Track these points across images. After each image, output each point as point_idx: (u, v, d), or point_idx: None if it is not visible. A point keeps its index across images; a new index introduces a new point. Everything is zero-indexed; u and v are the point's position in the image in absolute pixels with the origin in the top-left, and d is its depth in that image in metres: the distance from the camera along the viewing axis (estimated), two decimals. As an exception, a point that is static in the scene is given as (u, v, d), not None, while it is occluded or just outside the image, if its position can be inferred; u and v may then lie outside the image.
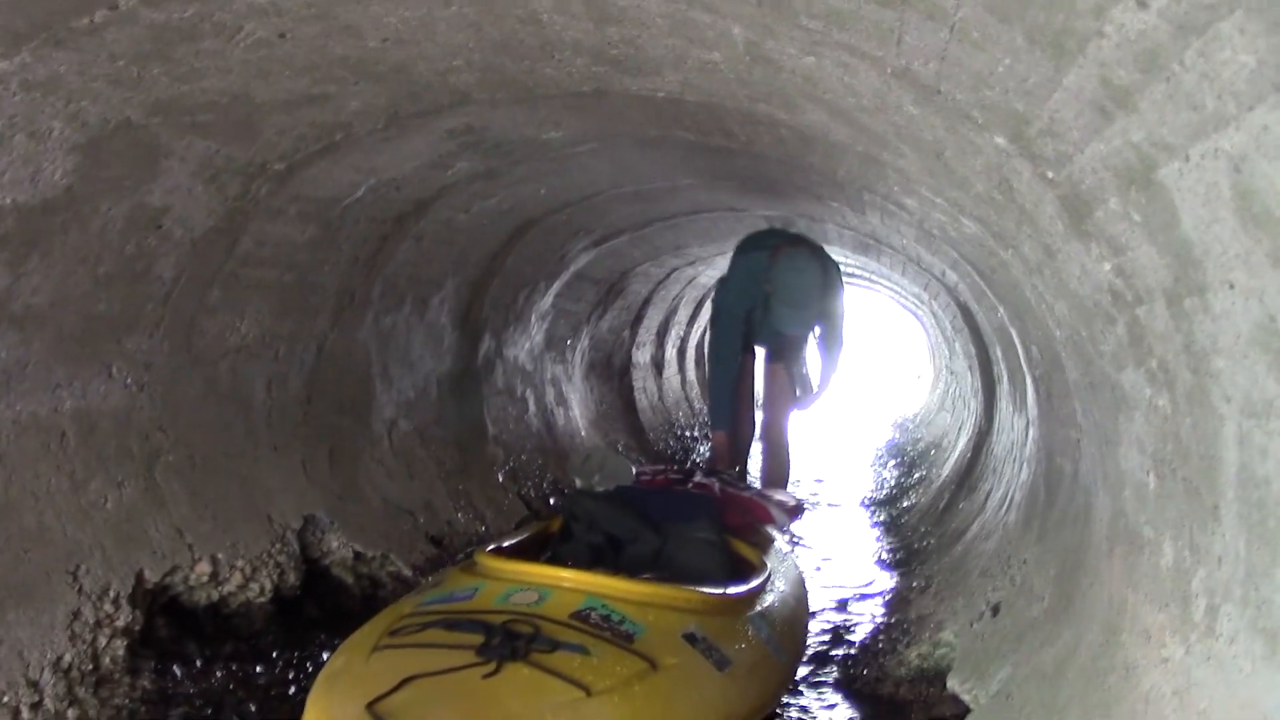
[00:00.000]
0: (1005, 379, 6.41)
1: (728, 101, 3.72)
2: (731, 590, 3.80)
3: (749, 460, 7.17)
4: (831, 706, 4.30)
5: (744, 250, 6.28)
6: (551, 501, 7.29)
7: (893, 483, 10.30)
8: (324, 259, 4.77)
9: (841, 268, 6.53)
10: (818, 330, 6.54)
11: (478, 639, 2.86)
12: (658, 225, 7.81)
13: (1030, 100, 2.02)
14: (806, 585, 5.07)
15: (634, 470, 5.47)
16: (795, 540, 5.82)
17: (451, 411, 6.68)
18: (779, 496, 5.58)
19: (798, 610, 4.44)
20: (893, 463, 11.70)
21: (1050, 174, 2.29)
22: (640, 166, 5.71)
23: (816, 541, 7.64)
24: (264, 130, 3.58)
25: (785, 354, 6.79)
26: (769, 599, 4.05)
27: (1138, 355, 2.33)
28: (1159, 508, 2.39)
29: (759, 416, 7.26)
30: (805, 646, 4.62)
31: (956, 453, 8.78)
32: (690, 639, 3.22)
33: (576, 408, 9.30)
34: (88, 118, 2.97)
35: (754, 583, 4.01)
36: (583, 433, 9.12)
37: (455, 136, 4.32)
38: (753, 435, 7.17)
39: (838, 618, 5.57)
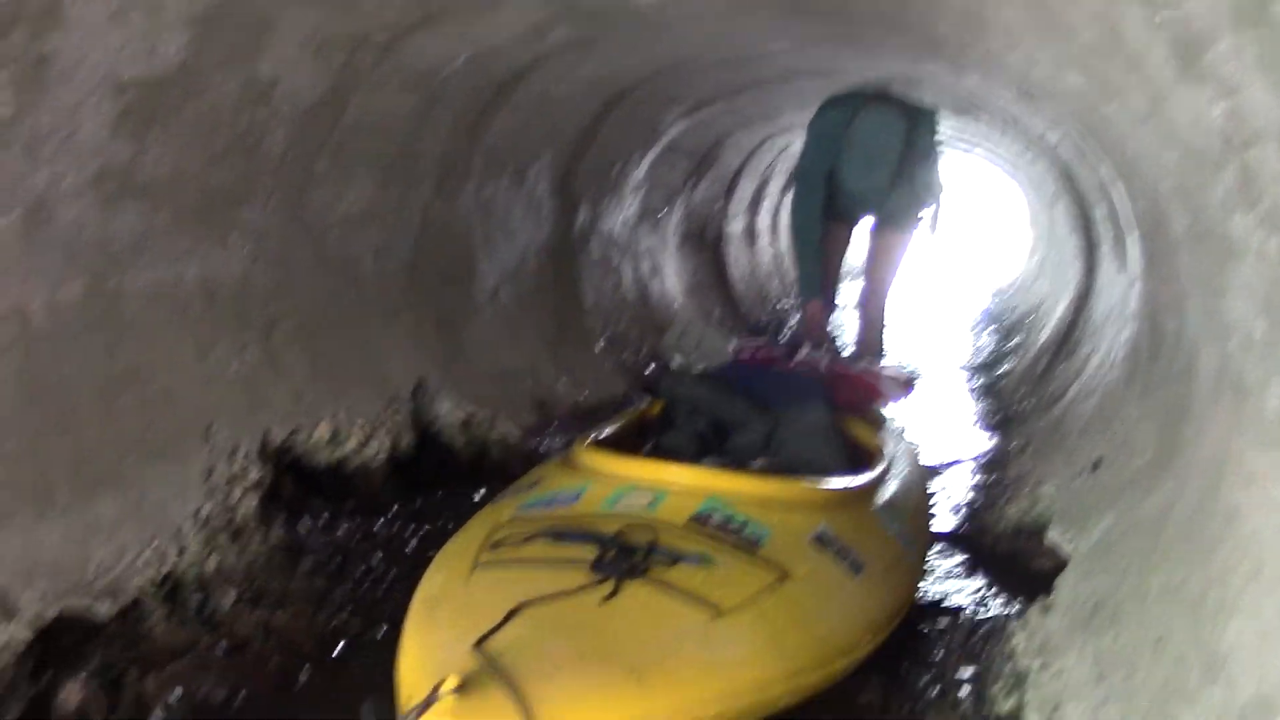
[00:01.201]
0: (1106, 240, 6.33)
1: (825, -42, 3.69)
2: (858, 482, 3.50)
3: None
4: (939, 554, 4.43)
5: (825, 108, 5.78)
6: (647, 371, 7.42)
7: (990, 349, 10.27)
8: (425, 130, 4.85)
9: (939, 137, 6.01)
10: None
11: (590, 553, 2.57)
12: (750, 92, 7.73)
13: (1142, -62, 2.00)
14: (923, 464, 4.73)
15: (732, 346, 5.21)
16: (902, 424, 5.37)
17: (550, 281, 6.79)
18: (889, 371, 5.36)
19: (922, 497, 4.17)
20: (990, 329, 11.63)
21: (1159, 18, 2.26)
22: (732, 32, 5.66)
23: (916, 407, 7.68)
24: (366, 2, 3.63)
25: (893, 220, 6.21)
26: (892, 487, 3.74)
27: (1247, 199, 2.32)
28: (1267, 353, 2.40)
29: (861, 285, 6.81)
30: (931, 536, 4.27)
31: (1055, 317, 8.71)
32: (821, 541, 2.94)
33: (671, 279, 9.37)
34: (201, -9, 3.06)
35: (878, 470, 3.70)
36: (677, 303, 9.20)
37: (550, 4, 4.33)
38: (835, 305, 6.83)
39: (936, 479, 5.64)
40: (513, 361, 5.91)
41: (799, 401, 4.18)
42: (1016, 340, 9.93)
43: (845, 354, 5.77)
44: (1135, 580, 2.92)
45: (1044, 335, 8.64)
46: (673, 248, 9.69)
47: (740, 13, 5.06)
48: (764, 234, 13.14)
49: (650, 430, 4.26)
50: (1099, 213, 6.43)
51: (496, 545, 2.71)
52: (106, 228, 3.27)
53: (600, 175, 7.45)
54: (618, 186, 7.94)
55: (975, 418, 7.26)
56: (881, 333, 6.66)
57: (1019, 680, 3.00)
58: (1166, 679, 2.30)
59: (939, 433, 6.79)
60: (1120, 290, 5.54)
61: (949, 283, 17.28)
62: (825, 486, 3.31)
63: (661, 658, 2.28)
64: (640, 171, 8.21)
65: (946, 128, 9.73)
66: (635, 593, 2.45)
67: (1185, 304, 3.52)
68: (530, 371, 5.98)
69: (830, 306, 6.43)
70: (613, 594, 2.43)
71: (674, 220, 9.68)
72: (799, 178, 5.96)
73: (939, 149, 5.95)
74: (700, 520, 2.85)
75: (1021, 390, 7.33)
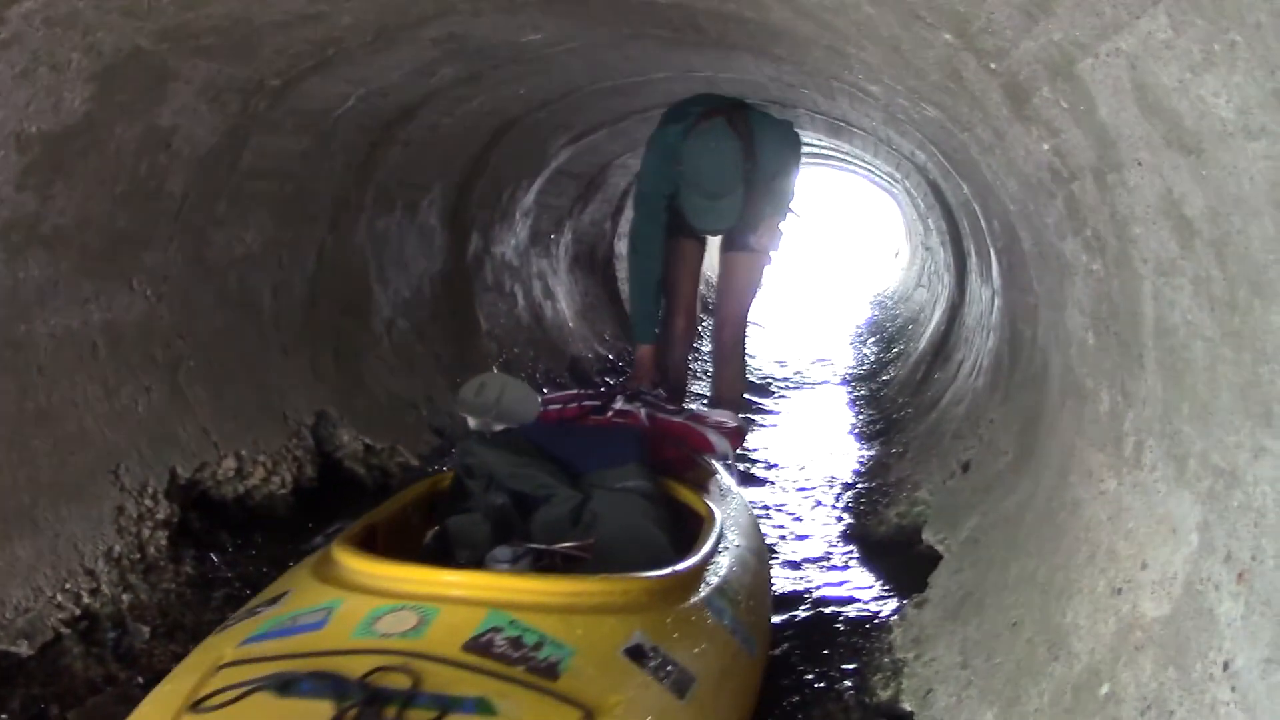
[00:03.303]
0: (973, 253, 6.69)
1: (699, 2, 3.93)
2: (680, 566, 2.82)
3: (686, 377, 6.24)
4: (822, 559, 4.69)
5: (664, 123, 5.14)
6: (545, 391, 7.59)
7: (872, 358, 10.64)
8: (319, 169, 4.99)
9: (794, 142, 5.25)
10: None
11: (326, 711, 1.90)
12: (634, 118, 7.97)
13: (969, 2, 2.27)
14: (760, 528, 4.07)
15: (539, 399, 4.38)
16: (736, 468, 4.69)
17: (445, 309, 6.94)
18: (716, 417, 4.73)
19: (760, 571, 3.45)
20: (872, 339, 12.03)
21: (993, 65, 2.54)
22: (616, 63, 5.89)
23: (800, 419, 8.00)
24: (262, 50, 3.78)
25: (741, 238, 5.53)
26: (725, 563, 3.08)
27: (1075, 226, 2.61)
28: (1098, 361, 2.69)
29: (717, 317, 6.01)
30: (772, 619, 3.60)
31: (932, 326, 9.10)
32: (636, 655, 2.33)
33: (563, 300, 9.57)
34: (103, 48, 3.18)
35: (704, 548, 3.02)
36: (570, 324, 9.40)
37: (439, 44, 4.51)
38: (688, 350, 6.12)
39: (820, 488, 5.92)
40: (410, 390, 6.05)
41: (615, 464, 3.58)
42: (898, 349, 10.31)
43: (669, 403, 5.02)
44: (998, 572, 3.19)
45: (922, 343, 9.03)
46: (564, 270, 9.88)
47: (622, 45, 5.29)
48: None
49: (439, 509, 3.52)
50: (965, 227, 6.80)
51: (199, 706, 1.98)
52: (14, 276, 3.36)
53: (490, 203, 7.63)
54: (508, 213, 8.13)
55: (859, 426, 7.57)
56: (742, 372, 6.11)
57: (896, 670, 3.24)
58: (1019, 659, 2.56)
59: (824, 443, 7.09)
60: (986, 301, 5.89)
61: (835, 295, 17.75)
62: (639, 580, 2.63)
63: None
64: (529, 197, 8.40)
65: (824, 145, 10.14)
66: None
67: (1037, 315, 3.83)
68: (426, 399, 6.13)
69: (682, 349, 5.91)
70: None
71: (563, 243, 9.88)
72: (637, 204, 5.42)
73: (794, 161, 5.30)
74: (480, 645, 2.19)
75: (902, 398, 7.66)
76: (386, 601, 2.34)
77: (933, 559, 4.03)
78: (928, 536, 4.28)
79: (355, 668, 2.01)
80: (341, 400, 5.28)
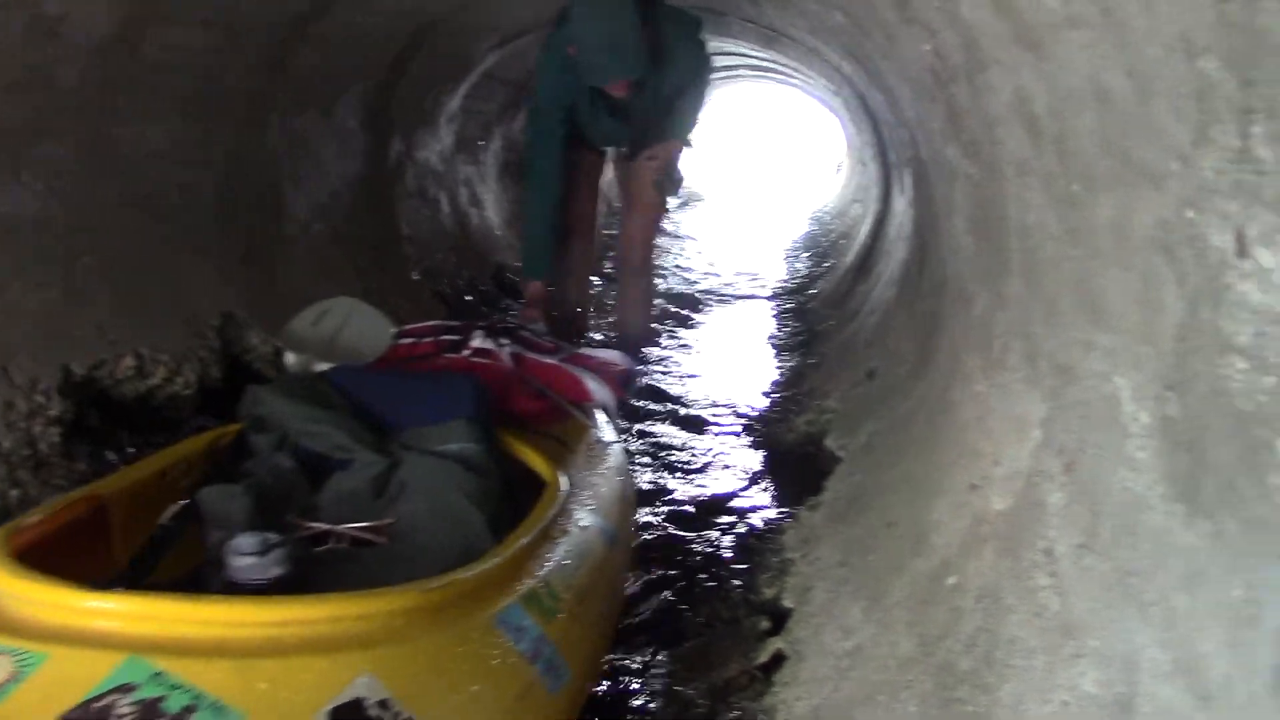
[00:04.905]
0: (894, 165, 6.72)
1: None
2: (464, 573, 2.07)
3: (589, 305, 5.96)
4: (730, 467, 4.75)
5: (558, 24, 4.70)
6: (468, 298, 7.56)
7: (804, 273, 10.68)
8: (227, 64, 4.86)
9: (705, 56, 4.85)
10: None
11: None
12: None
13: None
14: (634, 496, 3.58)
15: (392, 333, 3.84)
16: (618, 420, 4.04)
17: (364, 213, 6.85)
18: (601, 358, 4.12)
19: (610, 561, 2.76)
20: (806, 255, 12.06)
21: (877, -35, 2.53)
22: (538, -36, 5.80)
23: (725, 331, 8.05)
24: (154, -65, 3.68)
25: (645, 141, 5.01)
26: (557, 555, 2.42)
27: (954, 131, 2.62)
28: (977, 265, 2.72)
29: (623, 233, 5.62)
30: (617, 624, 2.94)
31: (860, 240, 9.15)
32: (349, 715, 1.63)
33: (491, 208, 9.48)
34: (-23, -73, 3.08)
35: (525, 538, 2.35)
36: (497, 232, 9.32)
37: (348, -64, 4.41)
38: (589, 276, 5.80)
39: (736, 398, 5.98)
40: (325, 295, 5.93)
41: (435, 419, 2.93)
42: (829, 264, 10.36)
43: (548, 340, 4.33)
44: (885, 474, 3.26)
45: (849, 258, 9.08)
46: (493, 178, 9.78)
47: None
48: (587, 163, 13.25)
49: (212, 475, 2.77)
50: (888, 139, 6.81)
51: None
52: (-109, 165, 3.28)
53: (413, 107, 7.50)
54: (432, 118, 8.01)
55: (782, 338, 7.63)
56: (649, 298, 5.73)
57: (783, 569, 3.32)
58: (890, 556, 2.62)
59: (746, 355, 7.15)
60: (901, 212, 5.93)
61: (774, 211, 17.72)
62: (379, 598, 1.88)
63: None
64: (455, 102, 8.28)
65: (761, 57, 10.07)
66: None
67: (938, 224, 3.86)
68: (344, 302, 6.08)
69: (581, 282, 5.58)
70: None
71: (493, 150, 9.77)
72: (532, 119, 4.99)
73: (703, 72, 4.88)
74: (97, 713, 1.51)
75: (826, 310, 7.73)
76: None
77: (835, 464, 4.10)
78: (829, 442, 4.35)
79: None
80: (252, 303, 5.22)
